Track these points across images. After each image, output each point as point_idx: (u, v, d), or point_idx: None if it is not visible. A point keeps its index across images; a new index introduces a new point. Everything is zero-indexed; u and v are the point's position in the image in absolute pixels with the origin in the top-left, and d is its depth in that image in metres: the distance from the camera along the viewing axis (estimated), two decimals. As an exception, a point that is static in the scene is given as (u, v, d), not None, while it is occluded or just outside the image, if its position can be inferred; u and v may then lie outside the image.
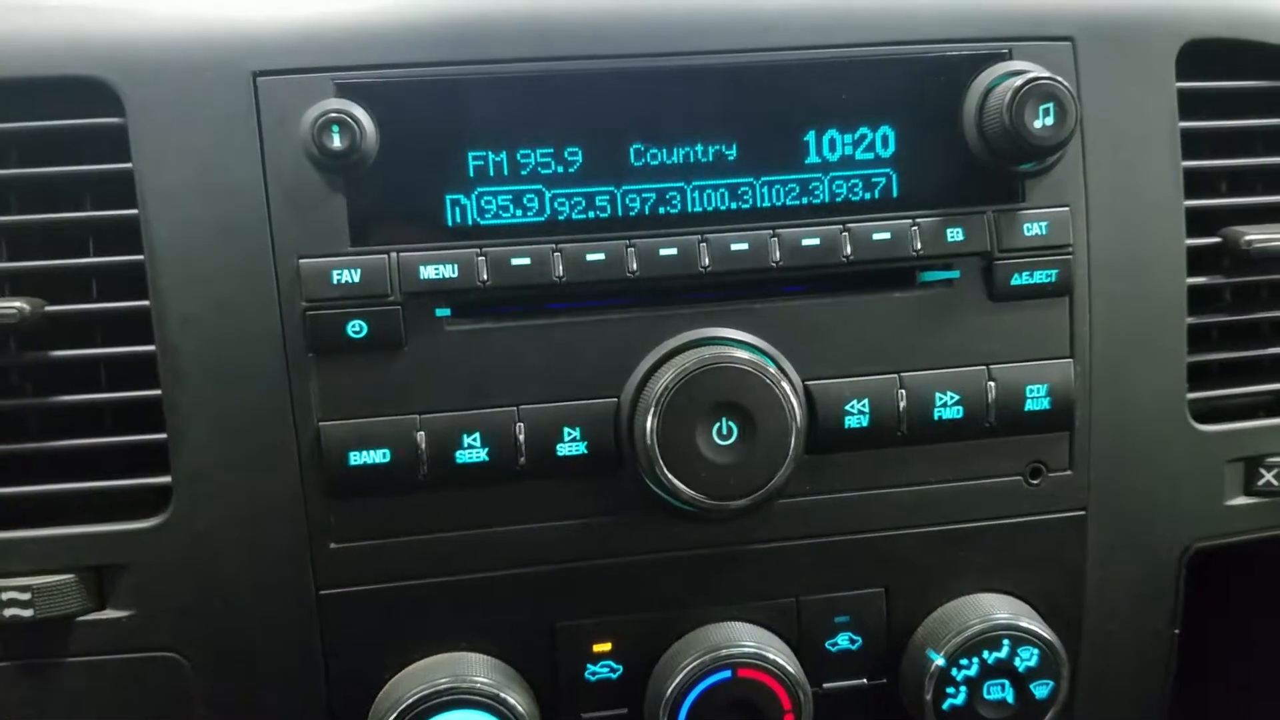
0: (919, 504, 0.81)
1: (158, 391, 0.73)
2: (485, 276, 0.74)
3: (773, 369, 0.75)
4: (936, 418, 0.79)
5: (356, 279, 0.73)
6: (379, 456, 0.74)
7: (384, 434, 0.74)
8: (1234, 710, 1.05)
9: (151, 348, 0.73)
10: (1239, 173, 0.88)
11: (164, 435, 0.73)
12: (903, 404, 0.78)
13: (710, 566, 0.80)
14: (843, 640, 0.83)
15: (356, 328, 0.73)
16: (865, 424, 0.78)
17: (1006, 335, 0.80)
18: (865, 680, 0.84)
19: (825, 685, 0.83)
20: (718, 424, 0.74)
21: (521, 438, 0.75)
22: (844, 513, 0.81)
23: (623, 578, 0.79)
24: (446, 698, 0.74)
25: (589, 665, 0.80)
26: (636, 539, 0.79)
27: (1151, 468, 0.85)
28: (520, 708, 0.75)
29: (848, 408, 0.78)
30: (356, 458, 0.73)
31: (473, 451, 0.75)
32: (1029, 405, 0.80)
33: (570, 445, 0.76)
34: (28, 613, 0.71)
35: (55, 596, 0.72)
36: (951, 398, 0.79)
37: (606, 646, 0.80)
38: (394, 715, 0.74)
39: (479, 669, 0.76)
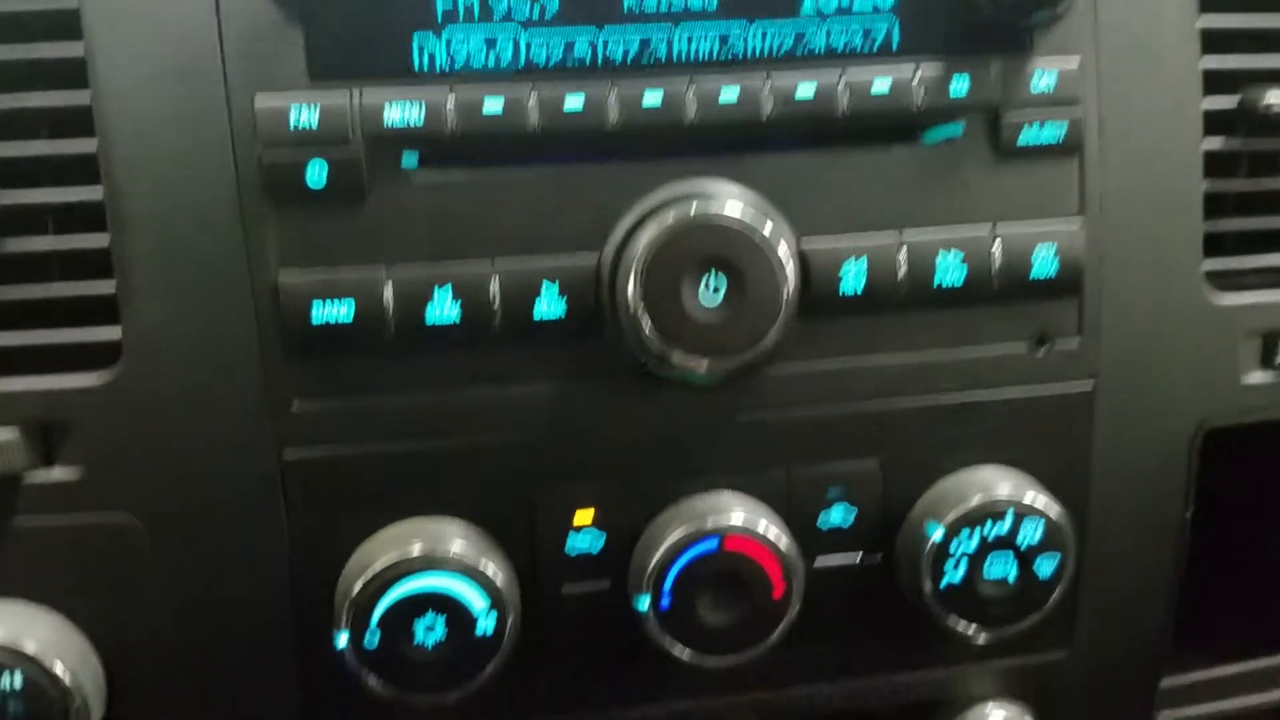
0: (917, 374, 0.77)
1: (105, 236, 0.69)
2: (454, 124, 0.69)
3: (764, 225, 0.70)
4: (938, 281, 0.74)
5: (315, 121, 0.68)
6: (343, 312, 0.69)
7: (347, 287, 0.69)
8: (1252, 600, 1.01)
9: (99, 189, 0.68)
10: (1260, 35, 0.82)
11: (112, 286, 0.69)
12: (903, 265, 0.74)
13: (697, 437, 0.76)
14: (836, 515, 0.79)
15: (316, 172, 0.68)
16: (862, 287, 0.74)
17: (1013, 194, 0.76)
18: (859, 557, 0.80)
19: (817, 561, 0.79)
20: (705, 279, 0.69)
21: (496, 296, 0.71)
22: (838, 382, 0.76)
23: (605, 447, 0.75)
24: (418, 564, 0.71)
25: (570, 536, 0.76)
26: (619, 407, 0.75)
27: (1164, 339, 0.81)
28: (497, 578, 0.72)
29: (844, 269, 0.73)
30: (319, 312, 0.69)
31: (444, 309, 0.70)
32: (1035, 268, 0.75)
33: (548, 305, 0.71)
34: (-30, 468, 0.67)
35: (-1, 451, 0.68)
36: (955, 258, 0.74)
37: (588, 518, 0.76)
38: (362, 581, 0.70)
39: (454, 535, 0.73)
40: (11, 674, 0.70)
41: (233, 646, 0.75)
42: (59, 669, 0.71)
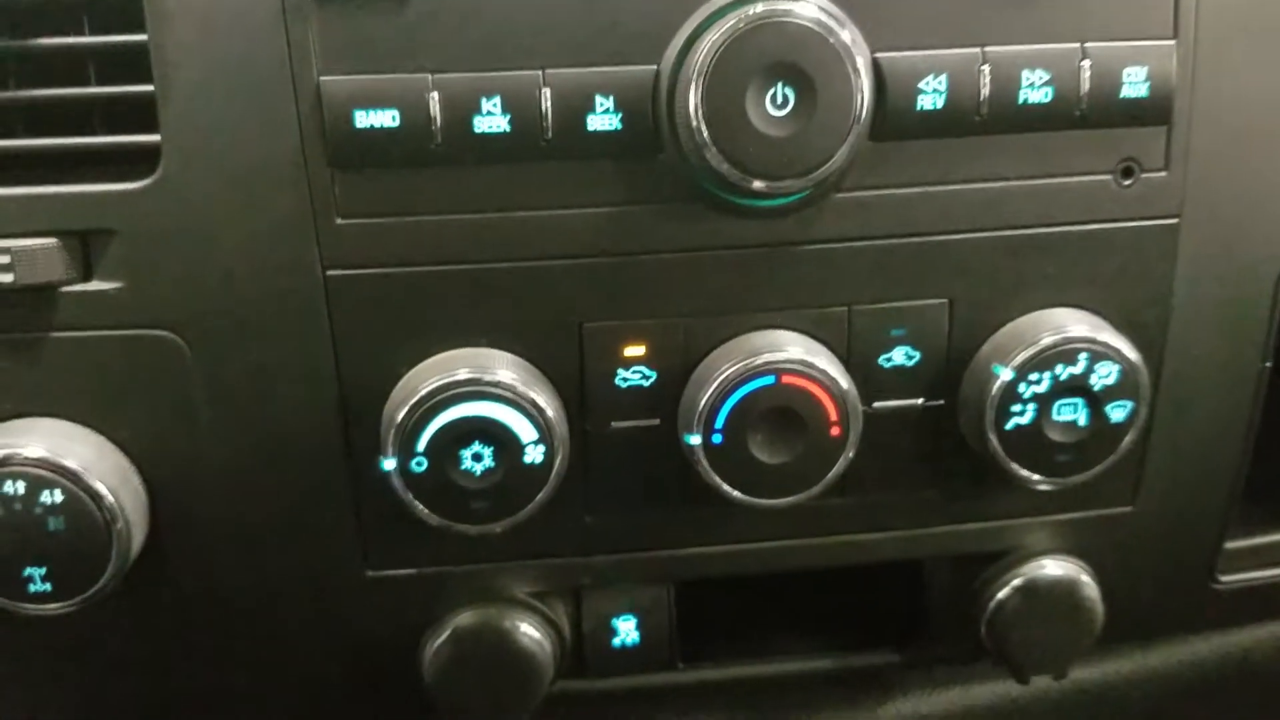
0: (994, 204, 0.72)
1: (144, 36, 0.65)
2: None
3: (841, 26, 0.65)
4: (1022, 100, 0.69)
5: None
6: (388, 119, 0.65)
7: (393, 92, 0.65)
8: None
9: None
10: None
11: (151, 87, 0.66)
12: (985, 83, 0.68)
13: (755, 267, 0.72)
14: (898, 356, 0.75)
15: None
16: (940, 105, 0.69)
17: (1103, 12, 0.70)
18: (921, 401, 0.77)
19: (875, 405, 0.76)
20: (772, 90, 0.65)
21: (548, 105, 0.66)
22: (909, 210, 0.72)
23: (658, 275, 0.72)
24: (465, 389, 0.68)
25: (619, 370, 0.73)
26: (675, 232, 0.71)
27: (1255, 174, 0.75)
28: (547, 409, 0.70)
29: (922, 85, 0.68)
30: (362, 118, 0.65)
31: (493, 120, 0.66)
32: (1125, 91, 0.70)
33: (603, 118, 0.67)
34: (8, 277, 0.65)
35: (37, 261, 0.65)
36: (1040, 77, 0.69)
37: (639, 351, 0.73)
38: (408, 406, 0.68)
39: (502, 365, 0.70)
40: (51, 490, 0.69)
41: (280, 472, 0.74)
42: (101, 487, 0.69)
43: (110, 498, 0.70)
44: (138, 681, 0.81)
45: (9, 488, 0.68)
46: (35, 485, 0.68)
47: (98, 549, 0.70)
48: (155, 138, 0.66)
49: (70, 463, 0.69)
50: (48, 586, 0.70)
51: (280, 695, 0.84)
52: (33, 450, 0.69)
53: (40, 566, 0.70)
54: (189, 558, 0.76)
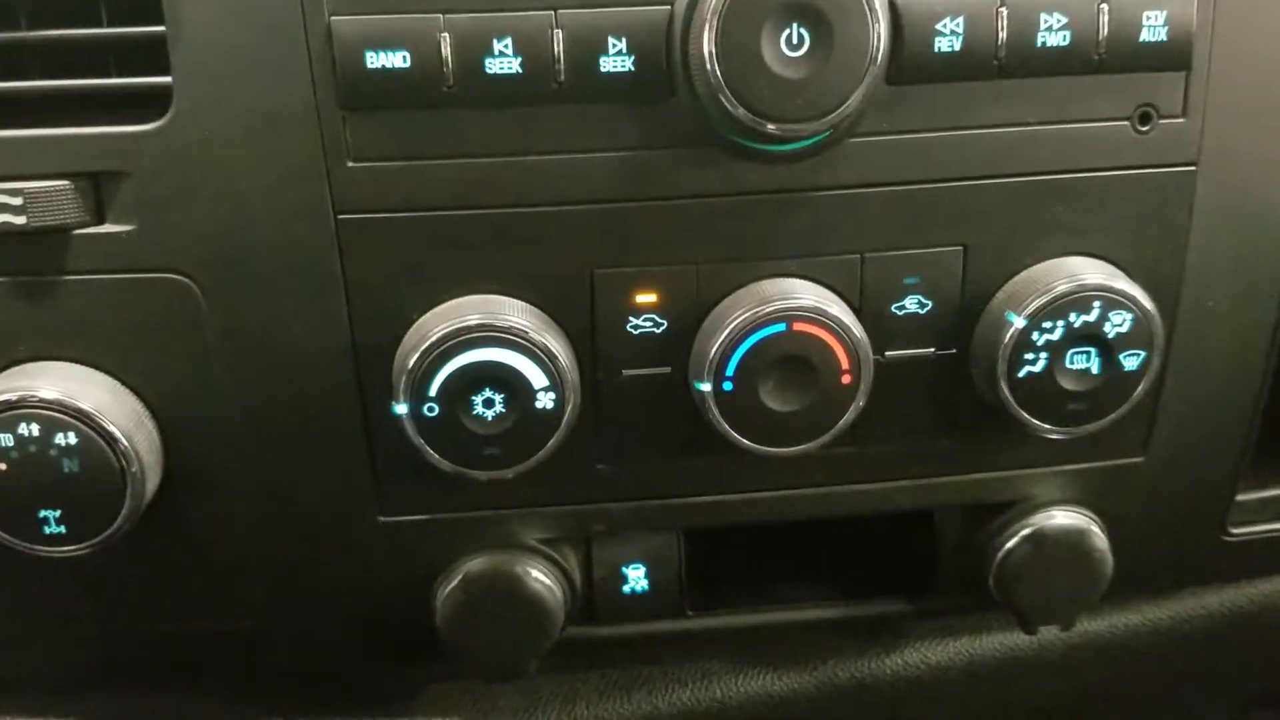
0: (1009, 149, 0.72)
1: None
2: None
3: (853, -33, 0.64)
4: (1040, 44, 0.68)
5: None
6: (399, 59, 0.65)
7: (403, 33, 0.65)
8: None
9: None
10: None
11: (162, 28, 0.65)
12: (1003, 26, 0.68)
13: (768, 213, 0.72)
14: (911, 304, 0.75)
15: None
16: (958, 48, 0.68)
17: None
18: (933, 350, 0.76)
19: (888, 354, 0.76)
20: (788, 30, 0.64)
21: (559, 47, 0.66)
22: (924, 156, 0.71)
23: (670, 221, 0.71)
24: (477, 334, 0.68)
25: (631, 318, 0.73)
26: (688, 177, 0.70)
27: (1274, 122, 0.74)
28: (558, 356, 0.70)
29: (939, 27, 0.67)
30: (373, 59, 0.65)
31: (504, 61, 0.66)
32: (1144, 35, 0.69)
33: (615, 60, 0.67)
34: (20, 219, 0.65)
35: (50, 203, 0.65)
36: (1058, 20, 0.68)
37: (651, 299, 0.73)
38: (419, 352, 0.68)
39: (514, 311, 0.70)
40: (65, 432, 0.69)
41: (293, 417, 0.74)
42: (115, 430, 0.70)
43: (124, 441, 0.70)
44: (150, 624, 0.82)
45: (23, 429, 0.68)
46: (50, 427, 0.69)
47: (112, 492, 0.71)
48: (167, 79, 0.66)
49: (84, 405, 0.69)
50: (63, 529, 0.71)
51: (292, 639, 0.85)
52: (47, 392, 0.69)
53: (55, 509, 0.71)
54: (202, 501, 0.76)
